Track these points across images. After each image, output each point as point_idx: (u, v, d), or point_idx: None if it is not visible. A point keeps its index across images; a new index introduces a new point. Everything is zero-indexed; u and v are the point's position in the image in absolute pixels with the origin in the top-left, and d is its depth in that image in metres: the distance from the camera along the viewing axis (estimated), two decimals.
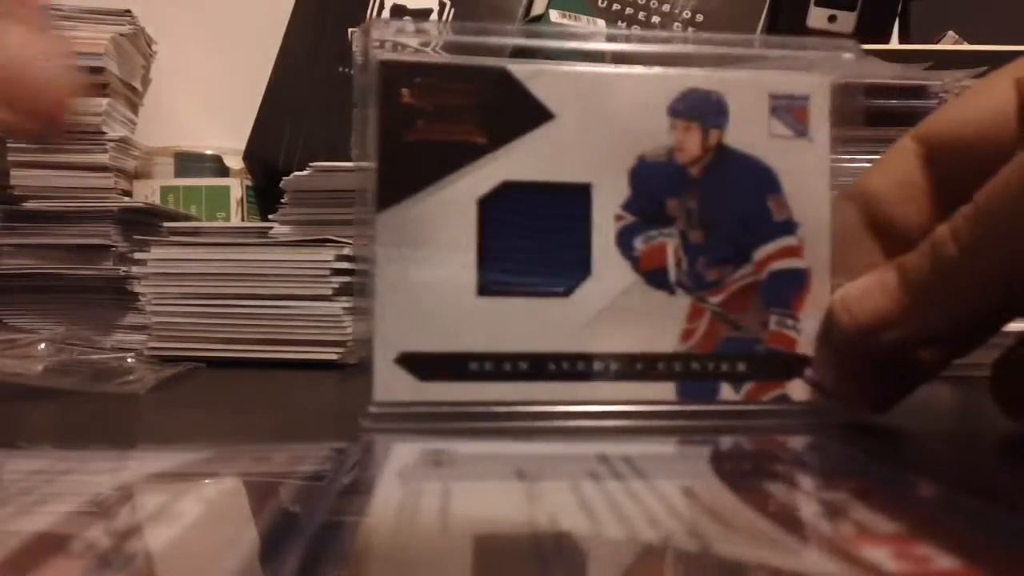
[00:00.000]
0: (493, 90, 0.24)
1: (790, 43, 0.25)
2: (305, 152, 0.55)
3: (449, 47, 0.24)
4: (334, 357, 0.39)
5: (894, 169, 0.24)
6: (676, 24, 0.66)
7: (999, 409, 0.24)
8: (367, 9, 0.63)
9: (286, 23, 0.62)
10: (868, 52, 0.45)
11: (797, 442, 0.23)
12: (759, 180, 0.25)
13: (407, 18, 0.63)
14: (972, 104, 0.24)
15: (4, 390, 0.30)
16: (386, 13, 0.63)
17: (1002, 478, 0.20)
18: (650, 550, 0.13)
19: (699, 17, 0.65)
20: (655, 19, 0.66)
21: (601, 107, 0.24)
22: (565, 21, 0.62)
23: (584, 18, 0.63)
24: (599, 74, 0.24)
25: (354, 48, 0.23)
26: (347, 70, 0.61)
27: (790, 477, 0.20)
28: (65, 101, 0.19)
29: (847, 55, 0.25)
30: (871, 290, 0.23)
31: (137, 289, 0.42)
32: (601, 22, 0.63)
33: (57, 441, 0.23)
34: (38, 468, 0.18)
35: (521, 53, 0.25)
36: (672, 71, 0.24)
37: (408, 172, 0.23)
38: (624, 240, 0.24)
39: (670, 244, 0.24)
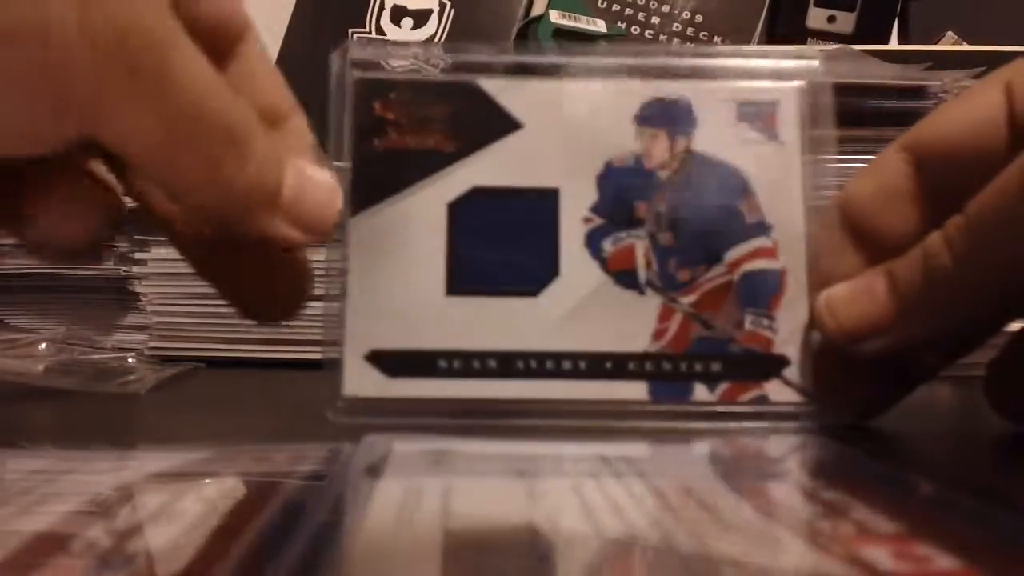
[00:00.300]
0: (463, 103, 0.25)
1: (756, 52, 0.26)
2: None
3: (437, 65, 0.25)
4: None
5: (879, 177, 0.24)
6: (676, 24, 0.66)
7: (993, 410, 0.24)
8: (367, 9, 0.63)
9: (286, 23, 0.62)
10: (867, 52, 0.45)
11: (796, 442, 0.23)
12: (729, 183, 0.25)
13: (403, 22, 0.63)
14: (961, 111, 0.23)
15: (5, 390, 0.30)
16: (387, 14, 0.63)
17: (1002, 478, 0.20)
18: (650, 550, 0.13)
19: (698, 17, 0.66)
20: (655, 19, 0.66)
21: (568, 117, 0.25)
22: (565, 22, 0.62)
23: (584, 18, 0.63)
24: (566, 87, 0.25)
25: (331, 67, 0.24)
26: None
27: (790, 477, 0.20)
28: (337, 218, 0.22)
29: (814, 62, 0.26)
30: (858, 295, 0.23)
31: (137, 289, 0.42)
32: (601, 22, 0.63)
33: (58, 441, 0.23)
34: (39, 468, 0.18)
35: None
36: (638, 83, 0.25)
37: (380, 178, 0.24)
38: (592, 242, 0.24)
39: (639, 246, 0.24)
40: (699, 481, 0.18)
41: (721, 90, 0.25)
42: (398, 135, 0.24)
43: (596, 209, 0.25)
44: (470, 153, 0.24)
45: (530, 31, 0.63)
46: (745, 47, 0.23)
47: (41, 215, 0.20)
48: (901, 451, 0.23)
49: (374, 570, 0.13)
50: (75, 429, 0.25)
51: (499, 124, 0.25)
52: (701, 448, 0.22)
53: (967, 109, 0.23)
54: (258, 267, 0.23)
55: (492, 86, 0.25)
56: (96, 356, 0.38)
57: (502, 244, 0.24)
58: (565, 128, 0.25)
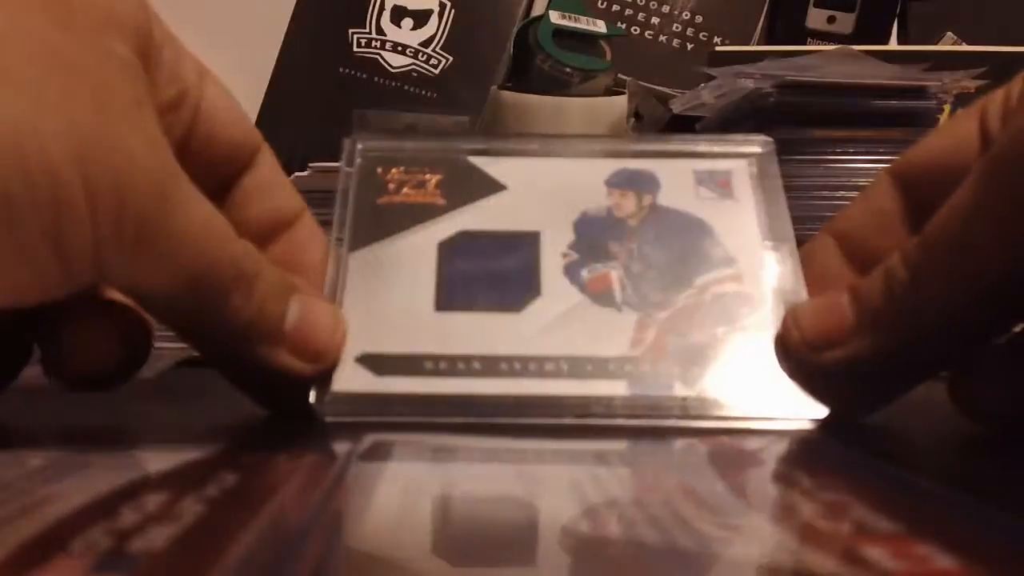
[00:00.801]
0: (454, 171, 0.29)
1: (710, 139, 0.30)
2: (305, 152, 0.55)
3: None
4: None
5: (870, 202, 0.26)
6: (676, 24, 0.66)
7: (958, 409, 0.24)
8: (367, 9, 0.63)
9: (286, 23, 0.62)
10: (867, 53, 0.45)
11: (795, 441, 0.23)
12: (693, 227, 0.28)
13: (404, 23, 0.63)
14: (939, 136, 0.25)
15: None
16: (387, 14, 0.63)
17: (1002, 477, 0.20)
18: (650, 548, 0.13)
19: (698, 18, 0.66)
20: (654, 20, 0.66)
21: (547, 183, 0.29)
22: (565, 22, 0.62)
23: (584, 19, 0.63)
24: (543, 163, 0.29)
25: (343, 151, 0.29)
26: (347, 70, 0.61)
27: (789, 476, 0.20)
28: (340, 349, 0.24)
29: (761, 147, 0.29)
30: (822, 309, 0.24)
31: None
32: (601, 22, 0.63)
33: (57, 441, 0.23)
34: (38, 467, 0.18)
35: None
36: (607, 161, 0.29)
37: (377, 224, 0.28)
38: (571, 271, 0.27)
39: (615, 274, 0.27)
40: (698, 479, 0.18)
41: (680, 167, 0.29)
42: (396, 193, 0.28)
43: (574, 247, 0.27)
44: (459, 207, 0.28)
45: (530, 32, 0.63)
46: (699, 136, 0.30)
47: (59, 341, 0.21)
48: (900, 450, 0.23)
49: (376, 567, 0.13)
50: (75, 428, 0.26)
51: (485, 187, 0.28)
52: (699, 447, 0.22)
53: (946, 135, 0.25)
54: (261, 378, 0.24)
55: (479, 161, 0.29)
56: None
57: (488, 273, 0.27)
58: (544, 190, 0.28)
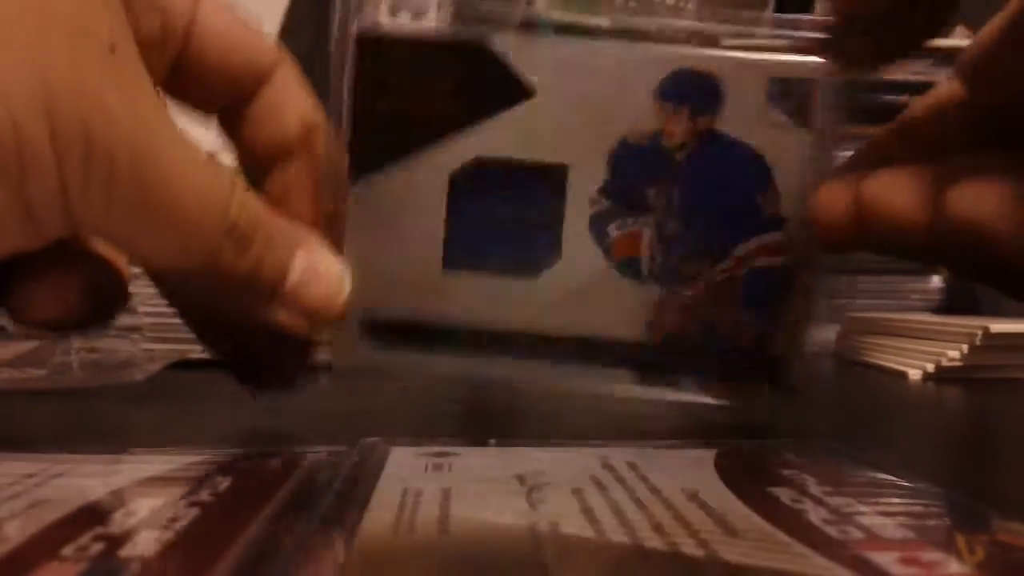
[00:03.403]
0: (472, 65, 0.23)
1: (800, 24, 0.23)
2: None
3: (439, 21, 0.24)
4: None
5: (929, 98, 0.24)
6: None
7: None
8: None
9: (285, 23, 0.62)
10: None
11: (802, 446, 0.23)
12: (749, 171, 0.23)
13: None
14: (996, 20, 0.22)
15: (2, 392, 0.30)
16: None
17: (1009, 482, 0.20)
18: (655, 556, 0.13)
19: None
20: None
21: (584, 85, 0.23)
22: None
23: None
24: (585, 48, 0.23)
25: (333, 19, 0.23)
26: None
27: (796, 482, 0.20)
28: (343, 307, 0.22)
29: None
30: None
31: (130, 290, 0.42)
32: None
33: (50, 444, 0.23)
34: (30, 471, 0.18)
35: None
36: (663, 48, 0.23)
37: (381, 144, 0.23)
38: (598, 226, 0.23)
39: (645, 234, 0.23)
40: (704, 486, 0.17)
41: (752, 63, 0.23)
42: (400, 99, 0.23)
43: (605, 190, 0.23)
44: (476, 121, 0.23)
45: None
46: (787, 17, 0.22)
47: (16, 287, 0.20)
48: (907, 456, 0.23)
49: (372, 575, 0.12)
50: (67, 431, 0.25)
51: (509, 92, 0.23)
52: (705, 453, 0.22)
53: (1002, 15, 0.22)
54: (254, 340, 0.23)
55: (504, 44, 0.23)
56: (98, 347, 0.38)
57: (505, 221, 0.23)
58: (580, 98, 0.23)
